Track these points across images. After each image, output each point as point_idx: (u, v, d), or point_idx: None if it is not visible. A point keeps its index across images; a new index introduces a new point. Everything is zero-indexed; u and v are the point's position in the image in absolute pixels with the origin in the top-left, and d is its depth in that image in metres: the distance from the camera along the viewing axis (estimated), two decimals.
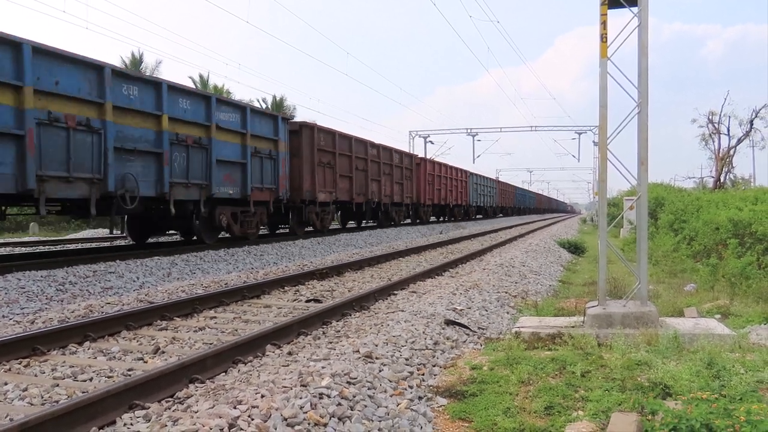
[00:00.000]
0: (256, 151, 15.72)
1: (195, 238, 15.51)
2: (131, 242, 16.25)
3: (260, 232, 17.74)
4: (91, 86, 10.71)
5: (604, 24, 6.48)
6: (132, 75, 12.31)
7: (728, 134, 43.26)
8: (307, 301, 8.59)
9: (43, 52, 9.80)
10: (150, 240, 16.93)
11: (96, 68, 10.80)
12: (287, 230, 20.11)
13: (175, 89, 12.87)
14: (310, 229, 20.01)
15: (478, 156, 53.41)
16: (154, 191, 12.24)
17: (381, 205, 24.81)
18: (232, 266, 12.50)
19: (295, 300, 8.70)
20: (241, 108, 15.31)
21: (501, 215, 55.58)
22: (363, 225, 26.78)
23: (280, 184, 16.93)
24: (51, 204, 11.22)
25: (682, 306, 7.84)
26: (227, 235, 16.15)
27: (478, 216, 46.98)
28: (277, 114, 17.31)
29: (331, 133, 20.08)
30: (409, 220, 30.72)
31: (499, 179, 60.80)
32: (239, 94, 59.06)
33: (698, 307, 7.72)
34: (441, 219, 37.05)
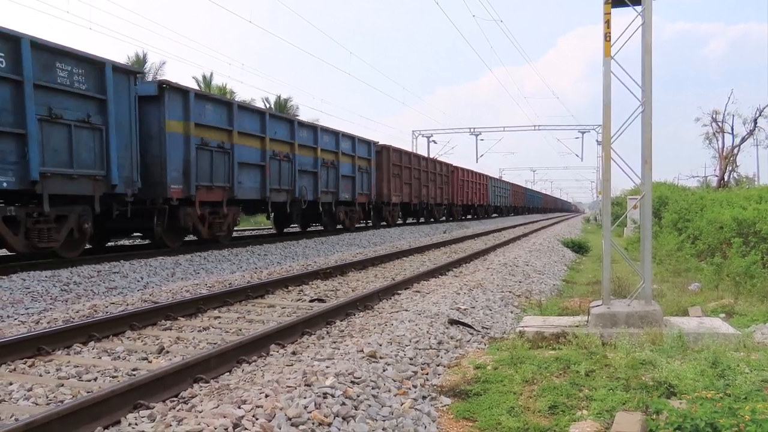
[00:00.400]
0: (360, 168, 22.60)
1: (321, 227, 21.79)
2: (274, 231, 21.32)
3: (356, 225, 23.69)
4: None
5: (608, 23, 6.47)
6: (247, 107, 16.43)
7: (732, 133, 43.19)
8: (311, 300, 8.60)
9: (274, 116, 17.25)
10: (287, 230, 22.19)
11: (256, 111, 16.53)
12: (366, 224, 25.72)
13: (295, 122, 18.33)
14: (384, 223, 26.57)
15: (482, 155, 53.57)
16: (313, 197, 18.98)
17: (428, 205, 31.63)
18: (236, 266, 12.51)
19: (299, 300, 8.70)
20: (350, 138, 22.09)
21: (512, 214, 61.15)
22: (414, 221, 32.71)
23: (372, 190, 23.89)
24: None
25: (686, 305, 7.82)
26: (339, 226, 22.32)
27: (494, 215, 52.21)
28: (370, 141, 23.96)
29: (398, 151, 27.05)
30: (444, 218, 36.08)
31: (514, 182, 67.50)
32: (243, 94, 59.07)
33: (702, 307, 7.71)
34: (468, 217, 43.37)
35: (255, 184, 16.04)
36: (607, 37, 6.49)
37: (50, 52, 10.07)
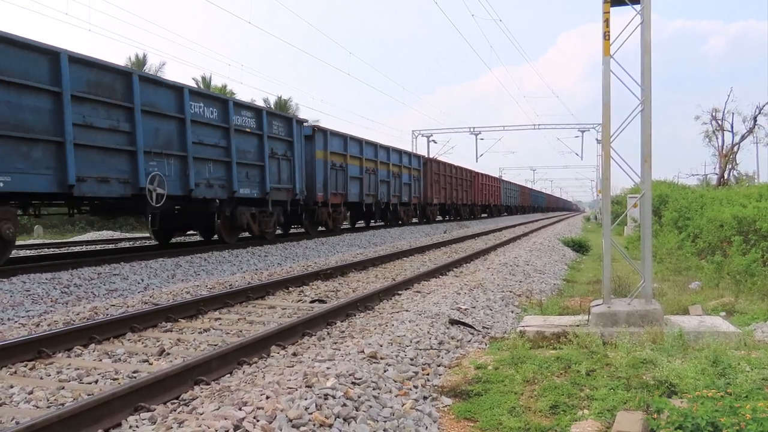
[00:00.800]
0: (413, 176, 29.43)
1: (381, 222, 28.07)
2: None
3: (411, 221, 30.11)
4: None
5: (606, 22, 6.47)
6: (352, 137, 22.48)
7: (732, 131, 43.19)
8: (312, 301, 8.60)
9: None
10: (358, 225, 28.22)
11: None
12: (415, 222, 31.57)
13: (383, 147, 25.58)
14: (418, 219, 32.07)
15: (481, 155, 53.76)
16: (387, 199, 25.83)
17: (456, 205, 38.45)
18: (236, 267, 12.51)
19: (299, 301, 8.70)
20: (408, 154, 29.01)
21: (519, 213, 66.72)
22: (444, 219, 38.50)
23: (421, 194, 30.87)
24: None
25: (686, 304, 7.82)
26: (399, 222, 28.50)
27: (503, 213, 57.14)
28: (420, 155, 31.16)
29: (437, 162, 34.52)
30: (485, 215, 46.64)
31: (522, 184, 76.85)
32: (242, 95, 59.02)
33: (703, 305, 7.70)
34: (484, 215, 48.77)
35: (357, 191, 22.81)
36: (606, 35, 6.49)
37: (273, 116, 17.16)
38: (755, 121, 42.01)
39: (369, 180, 23.90)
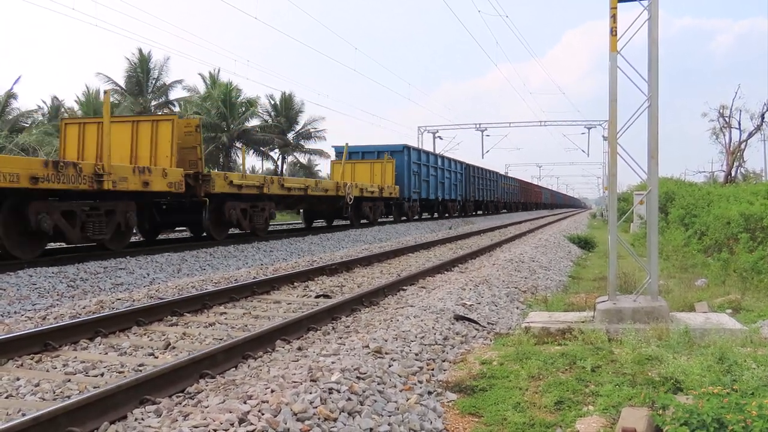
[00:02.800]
0: (458, 179, 37.06)
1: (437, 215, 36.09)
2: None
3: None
4: None
5: (614, 17, 6.44)
6: (423, 151, 32.45)
7: (739, 128, 42.95)
8: (317, 296, 8.60)
9: None
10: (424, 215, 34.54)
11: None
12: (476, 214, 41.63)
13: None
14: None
15: (487, 151, 53.66)
16: (441, 197, 34.27)
17: (486, 202, 46.22)
18: (241, 262, 12.54)
19: (304, 296, 8.71)
20: (456, 161, 37.52)
21: (534, 209, 74.38)
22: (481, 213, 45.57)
23: (464, 192, 38.62)
24: None
25: (692, 301, 7.79)
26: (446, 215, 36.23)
27: (521, 210, 64.36)
28: (463, 161, 39.34)
29: (475, 167, 41.74)
30: (505, 210, 54.30)
31: (548, 187, 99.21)
32: (248, 91, 59.14)
33: (709, 302, 7.68)
34: (503, 211, 54.64)
35: (428, 190, 31.28)
36: (613, 31, 6.47)
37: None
38: (763, 118, 41.75)
39: (435, 180, 32.49)
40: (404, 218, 28.75)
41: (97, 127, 14.05)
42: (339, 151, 27.09)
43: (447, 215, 35.95)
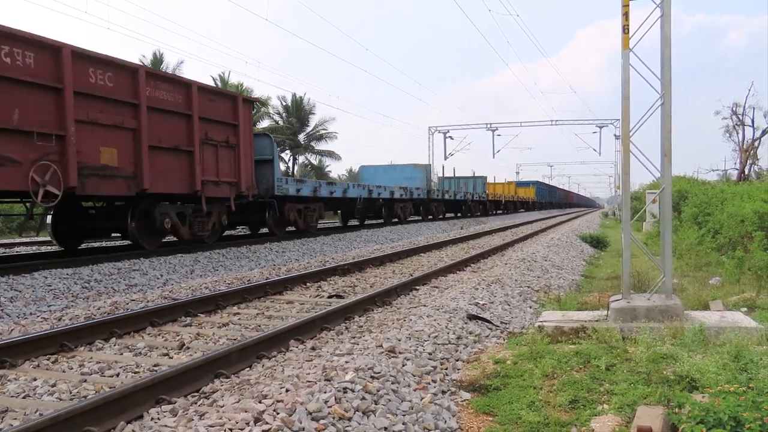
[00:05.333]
0: (479, 184, 42.45)
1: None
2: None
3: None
4: None
5: (626, 15, 6.41)
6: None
7: (753, 126, 42.64)
8: (330, 296, 8.62)
9: None
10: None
11: None
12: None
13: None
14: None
15: (498, 151, 53.56)
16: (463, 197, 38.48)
17: (516, 203, 54.11)
18: (254, 263, 12.58)
19: (317, 296, 8.73)
20: (481, 178, 44.59)
21: (554, 209, 78.47)
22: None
23: (485, 193, 43.35)
24: None
25: (707, 299, 7.75)
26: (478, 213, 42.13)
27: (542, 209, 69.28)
28: (485, 176, 44.75)
29: (497, 184, 50.94)
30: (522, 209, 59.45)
31: (573, 191, 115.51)
32: (259, 92, 59.29)
33: (724, 301, 7.63)
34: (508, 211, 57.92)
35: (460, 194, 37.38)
36: (625, 29, 6.44)
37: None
38: None
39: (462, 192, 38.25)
40: (430, 217, 32.37)
41: None
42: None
43: (470, 213, 40.10)
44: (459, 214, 39.05)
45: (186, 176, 12.79)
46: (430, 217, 32.50)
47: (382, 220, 26.43)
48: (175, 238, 14.13)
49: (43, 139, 9.53)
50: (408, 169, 31.56)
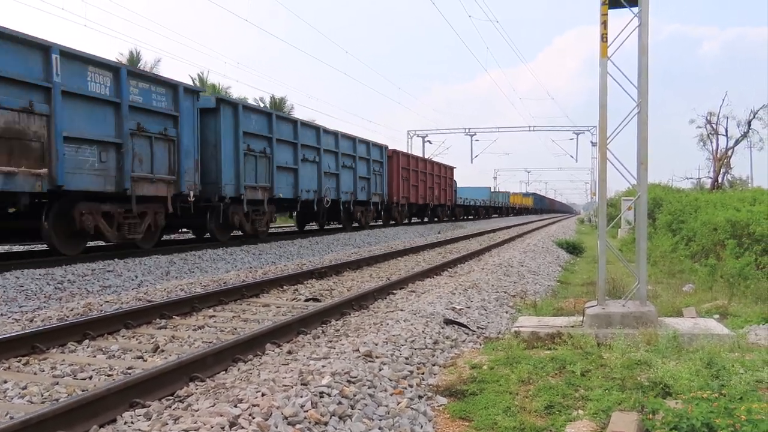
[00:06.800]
0: (496, 193, 52.74)
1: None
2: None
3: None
4: None
5: (604, 24, 6.48)
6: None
7: (726, 135, 43.39)
8: (306, 300, 8.59)
9: None
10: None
11: None
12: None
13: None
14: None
15: (476, 156, 53.60)
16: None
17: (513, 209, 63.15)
18: (230, 265, 12.49)
19: (294, 299, 8.69)
20: (506, 193, 65.89)
21: (536, 215, 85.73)
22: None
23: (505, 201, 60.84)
24: None
25: (680, 306, 7.84)
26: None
27: (531, 215, 76.85)
28: (508, 192, 63.51)
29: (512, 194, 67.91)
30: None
31: (551, 197, 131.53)
32: (237, 93, 58.95)
33: (697, 308, 7.72)
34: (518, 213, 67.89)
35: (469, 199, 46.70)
36: (603, 38, 6.51)
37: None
38: (749, 125, 42.30)
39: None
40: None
41: None
42: None
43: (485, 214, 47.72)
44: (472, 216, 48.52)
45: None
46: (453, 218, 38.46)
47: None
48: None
49: None
50: None
